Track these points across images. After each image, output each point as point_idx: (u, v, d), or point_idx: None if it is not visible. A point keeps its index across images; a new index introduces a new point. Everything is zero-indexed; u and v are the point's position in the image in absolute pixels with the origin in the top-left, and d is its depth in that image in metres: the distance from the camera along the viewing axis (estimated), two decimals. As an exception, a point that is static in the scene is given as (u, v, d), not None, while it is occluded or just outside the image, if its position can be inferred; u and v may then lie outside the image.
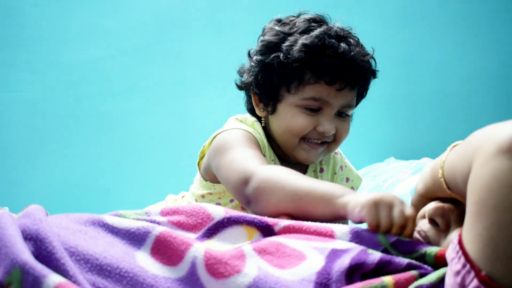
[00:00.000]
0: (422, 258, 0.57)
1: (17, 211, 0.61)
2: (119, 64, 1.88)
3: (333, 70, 0.90)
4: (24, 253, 0.47)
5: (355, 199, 0.65)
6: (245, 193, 0.79)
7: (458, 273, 0.49)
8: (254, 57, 0.98)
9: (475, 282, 0.46)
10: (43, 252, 0.49)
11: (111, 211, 0.65)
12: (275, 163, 1.01)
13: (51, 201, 1.64)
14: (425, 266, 0.56)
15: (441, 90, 2.12)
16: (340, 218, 0.68)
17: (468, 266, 0.48)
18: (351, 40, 0.94)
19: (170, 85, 1.93)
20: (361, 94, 1.02)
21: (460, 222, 0.64)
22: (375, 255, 0.55)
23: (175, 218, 0.65)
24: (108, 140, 1.88)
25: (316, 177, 1.08)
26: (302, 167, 1.05)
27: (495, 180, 0.47)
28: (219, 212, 0.65)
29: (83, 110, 1.86)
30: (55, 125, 1.84)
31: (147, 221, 0.63)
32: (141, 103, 1.91)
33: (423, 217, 0.68)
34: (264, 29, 1.00)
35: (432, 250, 0.57)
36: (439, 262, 0.56)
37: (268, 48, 0.95)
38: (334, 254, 0.56)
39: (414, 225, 0.63)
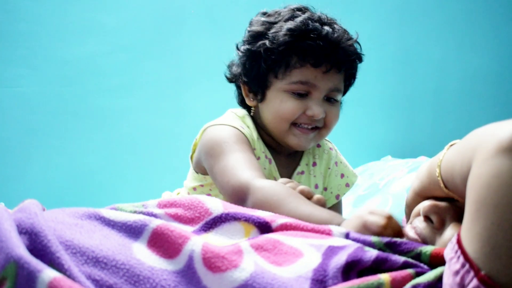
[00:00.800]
0: (418, 257, 0.57)
1: (13, 207, 0.60)
2: (116, 60, 1.88)
3: (318, 52, 0.92)
4: (19, 248, 0.46)
5: (346, 226, 0.65)
6: (244, 205, 0.78)
7: (457, 272, 0.48)
8: (242, 47, 1.00)
9: (474, 281, 0.46)
10: (38, 246, 0.48)
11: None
12: (265, 155, 1.02)
13: (47, 197, 1.63)
14: (421, 264, 0.56)
15: (438, 89, 2.12)
16: None
17: (467, 266, 0.47)
18: (335, 26, 0.96)
19: (167, 82, 1.93)
20: (349, 80, 1.03)
21: (455, 220, 0.65)
22: (371, 253, 0.55)
23: (173, 210, 0.65)
24: (104, 136, 1.88)
25: (308, 170, 1.08)
26: (295, 160, 1.06)
27: (495, 179, 0.47)
28: (217, 206, 0.65)
29: (79, 106, 1.86)
30: (51, 120, 1.84)
31: (144, 213, 0.63)
32: (138, 99, 1.90)
33: (418, 214, 0.69)
34: (251, 21, 1.02)
35: (427, 249, 0.57)
36: (434, 261, 0.56)
37: (254, 37, 0.97)
38: (331, 251, 0.56)
39: (395, 229, 0.63)
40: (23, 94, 1.81)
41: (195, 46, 1.95)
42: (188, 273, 0.52)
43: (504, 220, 0.46)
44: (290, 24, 0.94)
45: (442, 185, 0.63)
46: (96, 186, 1.86)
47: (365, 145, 2.06)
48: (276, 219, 0.66)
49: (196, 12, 1.94)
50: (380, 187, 1.52)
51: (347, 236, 0.61)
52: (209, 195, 1.02)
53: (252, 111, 1.04)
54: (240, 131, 0.96)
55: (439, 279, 0.52)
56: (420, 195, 0.70)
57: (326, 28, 0.94)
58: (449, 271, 0.50)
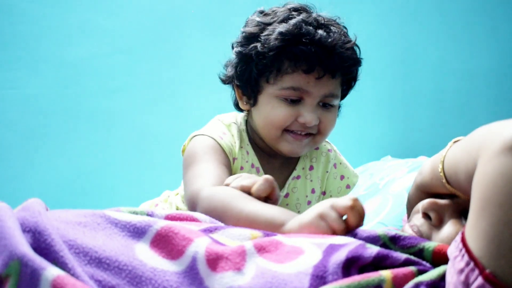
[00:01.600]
0: (420, 253, 0.57)
1: (14, 208, 0.60)
2: (116, 62, 1.88)
3: (310, 58, 0.88)
4: (23, 245, 0.46)
5: (298, 222, 0.64)
6: None
7: (461, 271, 0.48)
8: (235, 49, 0.97)
9: (479, 280, 0.46)
10: (41, 244, 0.49)
11: (108, 208, 0.65)
12: (252, 164, 1.00)
13: (48, 198, 1.62)
14: (423, 262, 0.56)
15: (438, 89, 2.13)
16: None
17: (472, 264, 0.47)
18: (332, 28, 0.91)
19: (166, 83, 1.93)
20: (348, 84, 0.99)
21: (453, 217, 0.65)
22: (372, 249, 0.55)
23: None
24: (104, 137, 1.88)
25: (304, 174, 1.05)
26: (290, 164, 1.04)
27: (500, 177, 0.47)
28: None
29: (79, 107, 1.86)
30: (52, 122, 1.84)
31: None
32: (137, 100, 1.91)
33: (418, 212, 0.69)
34: (246, 21, 0.98)
35: (430, 245, 0.57)
36: (437, 257, 0.56)
37: (248, 39, 0.94)
38: (332, 248, 0.56)
39: (360, 210, 0.62)
40: (23, 96, 1.81)
41: (194, 48, 1.95)
42: (190, 273, 0.52)
43: (509, 218, 0.46)
44: (282, 28, 0.89)
45: (444, 180, 0.63)
46: (97, 187, 1.86)
47: (365, 145, 2.07)
48: None
49: (195, 13, 1.94)
50: (380, 187, 1.52)
51: (350, 233, 0.61)
52: None
53: (246, 115, 1.02)
54: (217, 141, 0.94)
55: (442, 278, 0.52)
56: (422, 191, 0.71)
57: (320, 32, 0.89)
58: (453, 270, 0.50)
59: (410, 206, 0.73)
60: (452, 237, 0.62)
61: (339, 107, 1.02)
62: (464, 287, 0.47)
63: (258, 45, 0.91)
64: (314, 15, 0.93)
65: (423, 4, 2.12)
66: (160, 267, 0.52)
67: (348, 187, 1.09)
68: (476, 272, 0.47)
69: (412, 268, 0.54)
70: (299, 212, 1.01)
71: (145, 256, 0.53)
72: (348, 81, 0.98)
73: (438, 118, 2.12)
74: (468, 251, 0.49)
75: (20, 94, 1.81)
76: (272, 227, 0.66)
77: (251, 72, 0.93)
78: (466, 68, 2.13)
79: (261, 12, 0.98)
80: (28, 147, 1.82)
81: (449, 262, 0.52)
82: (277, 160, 1.02)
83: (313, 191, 1.06)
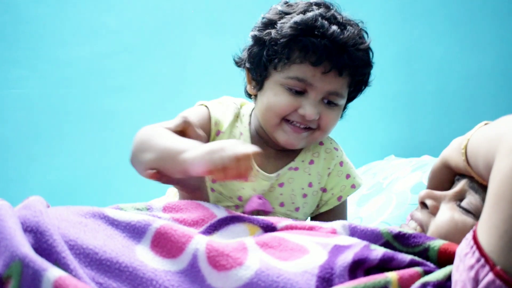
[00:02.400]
0: (425, 252, 0.57)
1: (14, 207, 0.60)
2: (118, 62, 1.88)
3: (319, 50, 0.89)
4: (24, 246, 0.46)
5: (194, 152, 0.68)
6: None
7: (471, 267, 0.48)
8: (251, 33, 0.98)
9: (490, 276, 0.46)
10: (43, 245, 0.48)
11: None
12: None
13: (49, 197, 1.62)
14: (428, 263, 0.56)
15: (441, 88, 2.12)
16: (188, 174, 0.70)
17: (482, 261, 0.47)
18: (349, 27, 0.92)
19: (169, 82, 1.93)
20: (358, 86, 0.99)
21: (450, 203, 0.67)
22: (378, 251, 0.55)
23: (179, 215, 0.65)
24: (107, 137, 1.88)
25: (303, 167, 1.04)
26: (289, 155, 1.03)
27: None
28: (222, 212, 0.66)
29: (81, 107, 1.86)
30: (53, 122, 1.83)
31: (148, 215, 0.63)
32: (140, 100, 1.90)
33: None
34: (270, 8, 1.00)
35: (435, 244, 0.57)
36: (442, 256, 0.56)
37: (265, 24, 0.96)
38: (337, 250, 0.56)
39: (249, 162, 0.64)
40: (25, 95, 1.81)
41: (197, 47, 1.95)
42: (191, 272, 0.52)
43: None
44: (298, 18, 0.91)
45: (464, 158, 0.64)
46: (98, 186, 1.85)
47: (368, 145, 2.06)
48: (281, 221, 0.66)
49: (198, 12, 1.94)
50: (384, 186, 1.52)
51: (352, 230, 0.61)
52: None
53: (253, 100, 1.02)
54: (208, 108, 0.99)
55: (448, 278, 0.52)
56: (444, 163, 0.71)
57: (334, 27, 0.89)
58: (463, 267, 0.50)
59: (432, 177, 0.74)
60: (448, 221, 0.63)
61: (345, 108, 1.02)
62: (474, 284, 0.47)
63: (273, 31, 0.93)
64: (333, 11, 0.94)
65: (427, 4, 2.11)
66: (161, 267, 0.52)
67: (353, 186, 1.08)
68: (487, 268, 0.47)
69: (417, 269, 0.53)
70: (293, 203, 1.01)
71: (145, 257, 0.53)
72: (357, 83, 0.98)
73: (442, 118, 2.11)
74: (479, 248, 0.48)
75: (23, 94, 1.81)
76: (173, 156, 0.71)
77: (261, 56, 0.95)
78: (470, 68, 2.12)
79: (285, 2, 0.99)
80: (31, 146, 1.82)
81: (456, 260, 0.52)
82: (273, 150, 1.02)
83: (310, 184, 1.05)
